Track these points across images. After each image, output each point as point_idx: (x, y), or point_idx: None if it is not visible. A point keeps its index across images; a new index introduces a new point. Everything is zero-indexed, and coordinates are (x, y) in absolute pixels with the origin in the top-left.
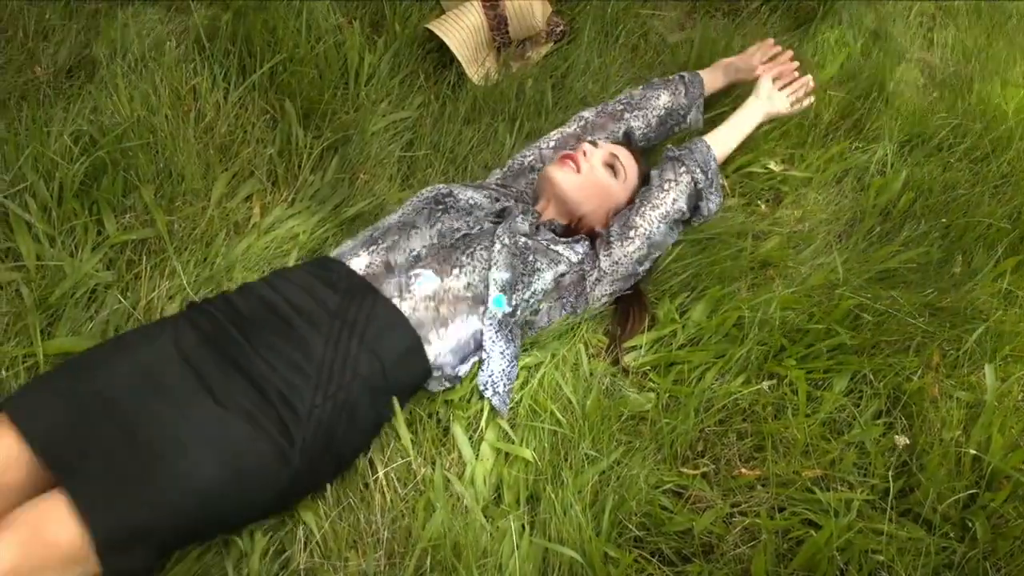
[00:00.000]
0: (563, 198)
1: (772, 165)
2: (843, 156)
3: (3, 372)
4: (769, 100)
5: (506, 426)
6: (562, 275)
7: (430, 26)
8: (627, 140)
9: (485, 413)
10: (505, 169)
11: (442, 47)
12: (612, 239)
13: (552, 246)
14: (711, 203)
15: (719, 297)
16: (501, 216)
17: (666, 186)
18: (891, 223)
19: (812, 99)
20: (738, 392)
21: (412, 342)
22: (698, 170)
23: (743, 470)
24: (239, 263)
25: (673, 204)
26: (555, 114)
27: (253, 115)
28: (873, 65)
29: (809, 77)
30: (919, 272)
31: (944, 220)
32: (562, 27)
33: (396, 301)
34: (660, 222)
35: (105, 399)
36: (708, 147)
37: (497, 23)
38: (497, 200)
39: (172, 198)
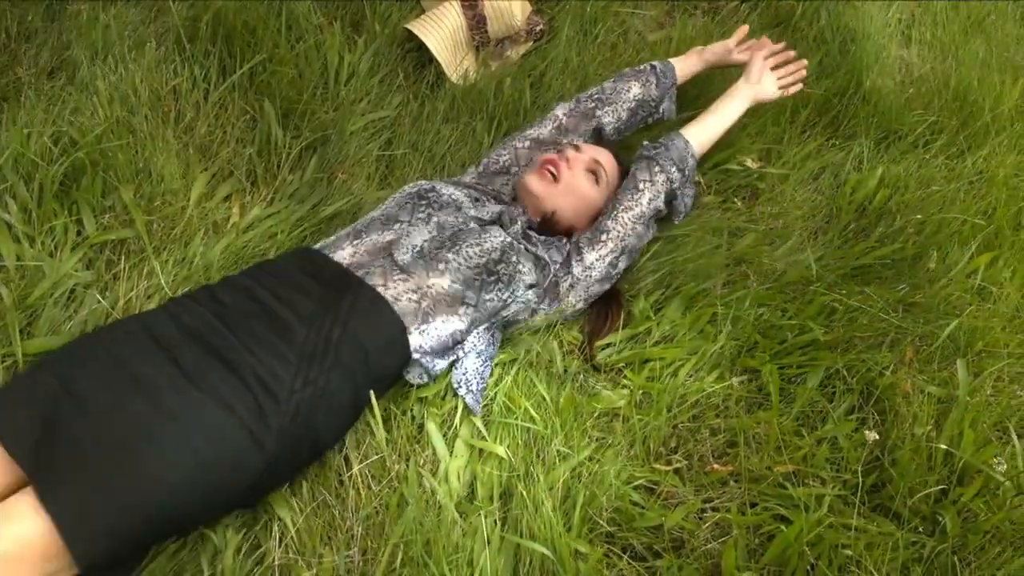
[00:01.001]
0: (541, 208)
1: (748, 162)
2: (820, 153)
3: None
4: (759, 84)
5: (480, 423)
6: (535, 283)
7: (409, 26)
8: (598, 137)
9: (459, 410)
10: (480, 168)
11: (421, 47)
12: (583, 245)
13: (539, 252)
14: (686, 198)
15: (694, 294)
16: (499, 221)
17: (641, 186)
18: (867, 219)
19: (801, 85)
20: (711, 388)
21: (396, 330)
22: (674, 169)
23: (715, 466)
24: (217, 263)
25: (649, 204)
26: (533, 113)
27: (233, 115)
28: (851, 62)
29: (804, 61)
30: (893, 268)
31: (919, 216)
32: (541, 26)
33: (380, 290)
34: (634, 223)
35: (79, 394)
36: (686, 143)
37: (476, 23)
38: (477, 200)
39: (151, 198)
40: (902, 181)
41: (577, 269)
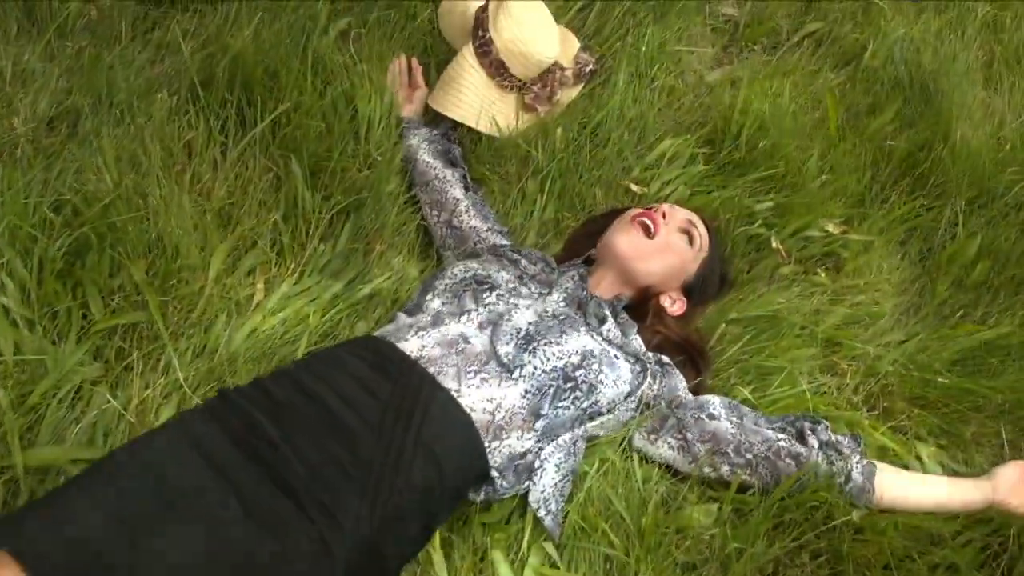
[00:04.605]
0: (632, 274)
1: (830, 227)
2: (905, 219)
3: None
4: (1013, 499)
5: (551, 549)
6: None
7: (429, 101)
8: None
9: (527, 534)
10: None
11: None
12: (691, 448)
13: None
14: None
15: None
16: (581, 309)
17: (770, 468)
18: (965, 294)
19: None
20: (815, 504)
21: (474, 445)
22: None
23: None
24: (244, 352)
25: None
26: (590, 172)
27: (255, 174)
28: (934, 112)
29: None
30: (997, 355)
31: None
32: (591, 66)
33: (455, 395)
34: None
35: (120, 523)
36: (872, 490)
37: (496, 69)
38: (533, 277)
39: (165, 276)
40: (1003, 251)
41: (662, 448)
